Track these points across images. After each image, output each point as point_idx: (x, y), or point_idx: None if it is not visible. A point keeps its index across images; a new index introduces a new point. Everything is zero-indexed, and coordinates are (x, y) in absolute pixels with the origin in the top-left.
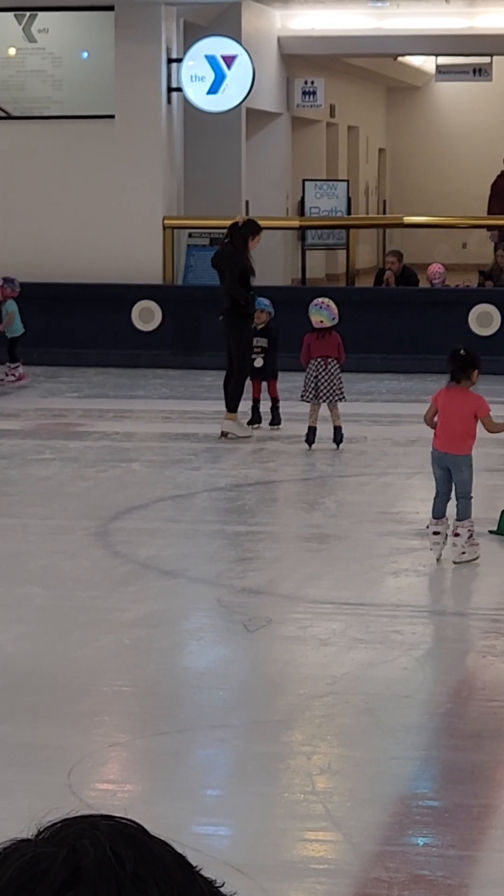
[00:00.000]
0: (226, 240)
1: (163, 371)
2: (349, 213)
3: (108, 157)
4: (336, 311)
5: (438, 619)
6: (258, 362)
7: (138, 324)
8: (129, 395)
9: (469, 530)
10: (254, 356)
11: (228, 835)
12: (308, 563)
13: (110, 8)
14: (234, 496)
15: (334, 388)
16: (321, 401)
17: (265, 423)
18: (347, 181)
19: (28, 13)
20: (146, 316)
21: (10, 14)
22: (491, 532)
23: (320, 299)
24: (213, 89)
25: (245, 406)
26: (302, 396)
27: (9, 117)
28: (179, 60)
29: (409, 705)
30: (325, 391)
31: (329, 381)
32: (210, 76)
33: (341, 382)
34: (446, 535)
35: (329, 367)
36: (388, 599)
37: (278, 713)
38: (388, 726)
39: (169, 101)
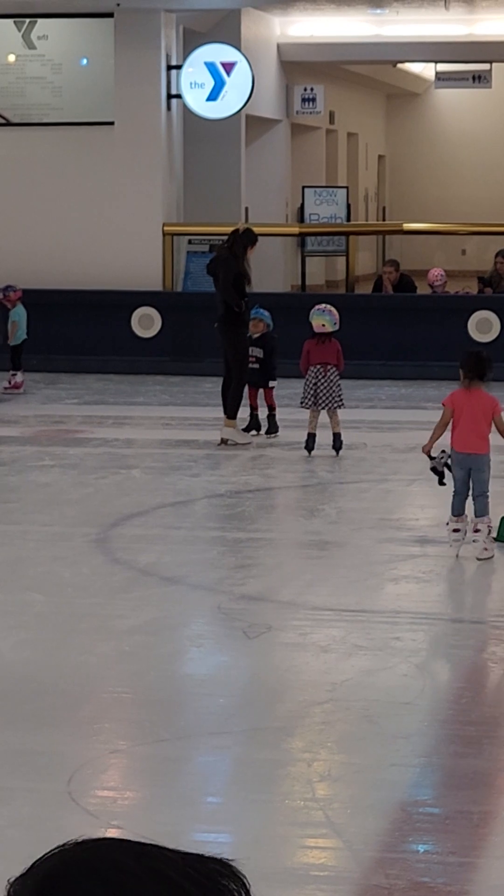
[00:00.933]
0: (225, 244)
1: (162, 377)
2: (349, 219)
3: (107, 163)
4: (338, 316)
5: (438, 625)
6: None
7: (138, 330)
8: (128, 401)
9: (489, 526)
10: (250, 366)
11: (229, 842)
12: (308, 569)
13: (110, 15)
14: (234, 503)
15: (333, 394)
16: (320, 407)
17: (262, 431)
18: (347, 188)
19: (28, 20)
20: (146, 322)
21: (10, 21)
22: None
23: (323, 304)
24: (213, 96)
25: (243, 412)
26: (301, 403)
27: (8, 124)
28: (179, 67)
29: (410, 712)
30: (324, 398)
31: (328, 387)
32: (209, 83)
33: (340, 389)
34: (465, 531)
35: (328, 373)
36: (387, 606)
37: (278, 720)
38: (389, 733)
39: (168, 107)
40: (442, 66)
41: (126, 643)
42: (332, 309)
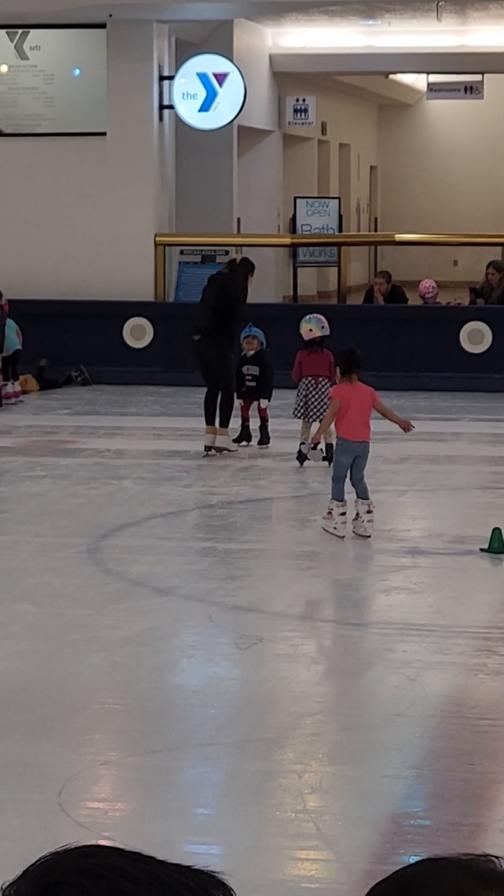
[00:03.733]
0: (225, 270)
1: (154, 388)
2: (340, 230)
3: (99, 174)
4: (326, 322)
5: (430, 636)
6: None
7: (130, 341)
8: (120, 412)
9: (371, 507)
10: (246, 384)
11: (219, 853)
12: (299, 580)
13: (102, 25)
14: (226, 513)
15: (324, 406)
16: (311, 419)
17: (254, 442)
18: (339, 198)
19: (20, 30)
20: (138, 333)
21: (3, 31)
22: (482, 550)
23: (310, 313)
24: (205, 107)
25: (234, 423)
26: (294, 413)
27: (0, 134)
28: (171, 78)
29: (401, 723)
30: (315, 409)
31: (319, 399)
32: (202, 94)
33: None
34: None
35: (320, 385)
36: (379, 617)
37: (269, 731)
38: (380, 744)
39: (161, 118)
40: (434, 77)
41: (117, 654)
42: (320, 315)
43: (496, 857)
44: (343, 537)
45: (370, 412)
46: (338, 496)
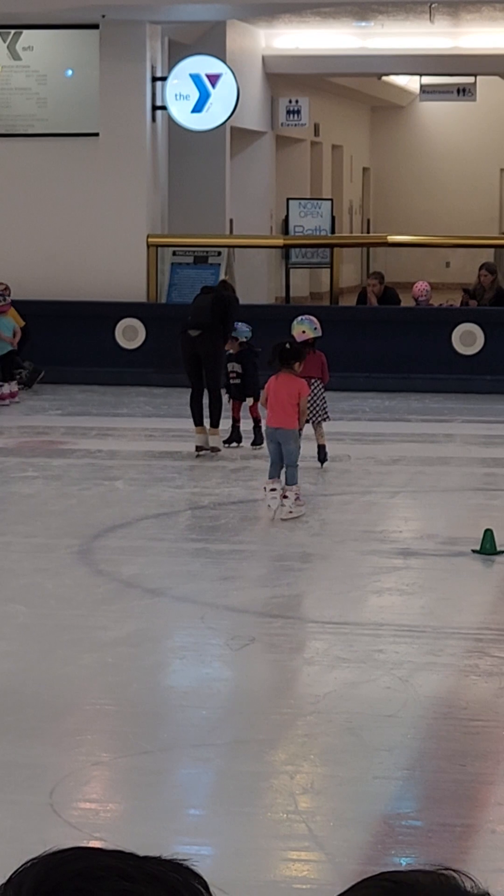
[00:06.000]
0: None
1: (146, 389)
2: (333, 231)
3: (92, 175)
4: (318, 323)
5: (421, 638)
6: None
7: (122, 342)
8: (112, 412)
9: (296, 493)
10: (231, 381)
11: (211, 854)
12: (291, 581)
13: (95, 26)
14: (218, 514)
15: (318, 407)
16: (307, 420)
17: (246, 443)
18: (331, 200)
19: (13, 31)
20: (130, 334)
21: None
22: (474, 551)
23: (303, 314)
24: (198, 108)
25: (224, 423)
26: None
27: None
28: (164, 79)
29: (393, 724)
30: (309, 411)
31: (313, 400)
32: (195, 95)
33: (325, 402)
34: (279, 492)
35: (313, 387)
36: (371, 618)
37: (261, 732)
38: (372, 746)
39: (153, 119)
40: (427, 79)
41: (109, 655)
42: (312, 317)
43: (456, 872)
44: (272, 516)
45: (295, 403)
46: (268, 475)
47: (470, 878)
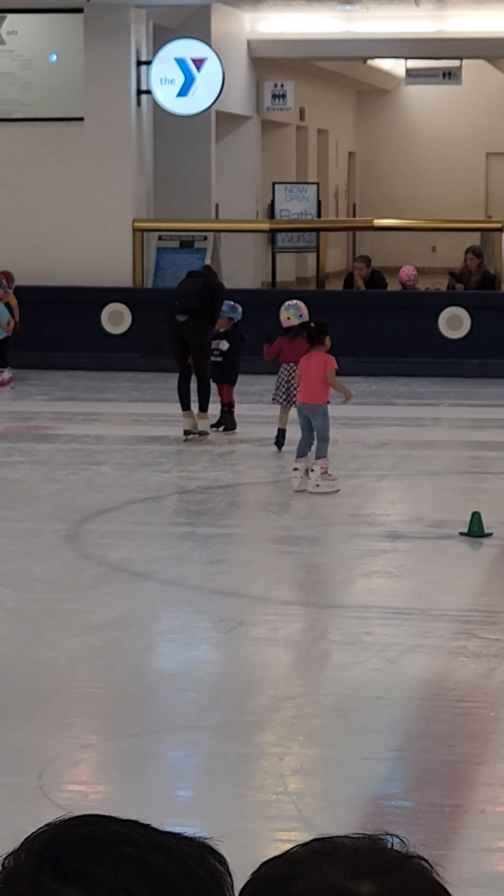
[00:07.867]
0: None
1: (132, 374)
2: (319, 216)
3: (77, 159)
4: (306, 310)
5: (410, 620)
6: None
7: (108, 327)
8: (98, 397)
9: (323, 468)
10: (213, 359)
11: (200, 836)
12: (279, 565)
13: (79, 10)
14: (205, 498)
15: (290, 392)
16: (292, 404)
17: (220, 428)
18: (317, 184)
19: None
20: (116, 319)
21: None
22: (461, 534)
23: (291, 300)
24: (183, 92)
25: (213, 409)
26: (273, 399)
27: None
28: (149, 63)
29: (381, 706)
30: (282, 394)
31: (287, 383)
32: (180, 79)
33: (296, 389)
34: (305, 470)
35: (288, 372)
36: (358, 601)
37: (250, 714)
38: (360, 727)
39: (138, 103)
40: (412, 63)
41: (97, 638)
42: (300, 303)
43: (391, 835)
44: (295, 490)
45: (324, 378)
46: (296, 453)
47: (402, 842)
